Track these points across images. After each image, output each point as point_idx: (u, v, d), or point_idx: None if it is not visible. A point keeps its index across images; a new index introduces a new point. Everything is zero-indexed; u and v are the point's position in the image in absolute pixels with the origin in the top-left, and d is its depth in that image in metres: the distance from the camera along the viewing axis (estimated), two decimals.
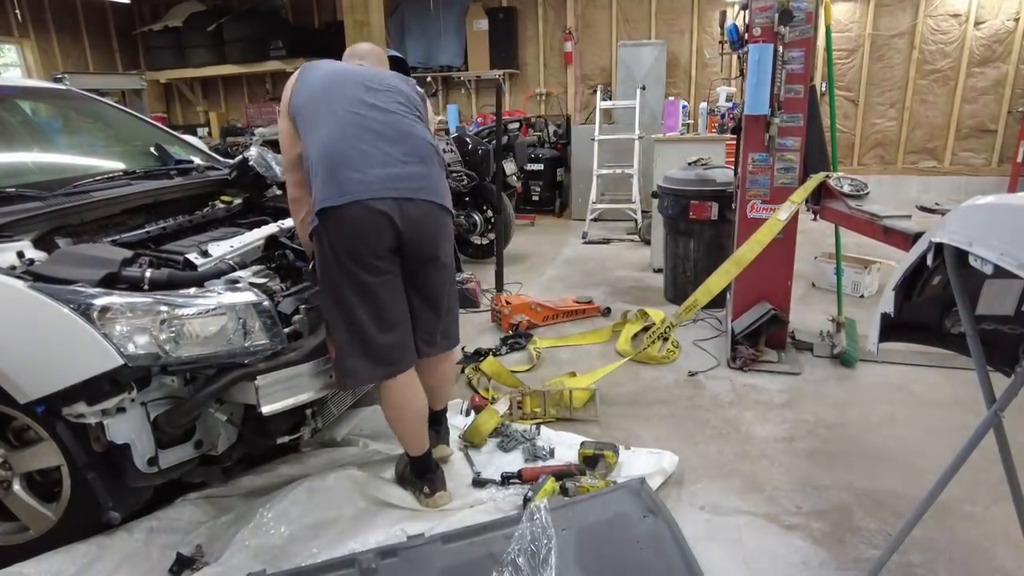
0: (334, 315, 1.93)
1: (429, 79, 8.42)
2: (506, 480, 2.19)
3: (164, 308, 1.73)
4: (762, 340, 3.21)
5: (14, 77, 7.70)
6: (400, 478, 2.23)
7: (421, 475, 2.15)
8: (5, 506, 1.89)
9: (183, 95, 9.87)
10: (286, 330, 1.98)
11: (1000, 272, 1.19)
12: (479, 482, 2.22)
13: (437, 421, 2.38)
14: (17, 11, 8.02)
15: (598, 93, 7.21)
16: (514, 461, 2.36)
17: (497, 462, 2.35)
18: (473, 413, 2.68)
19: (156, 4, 9.47)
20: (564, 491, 2.07)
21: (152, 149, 2.95)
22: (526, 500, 2.04)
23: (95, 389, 1.65)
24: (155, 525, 1.99)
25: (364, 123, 1.93)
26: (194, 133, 7.26)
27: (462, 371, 3.12)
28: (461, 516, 2.03)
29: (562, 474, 2.15)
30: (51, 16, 8.52)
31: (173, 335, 1.73)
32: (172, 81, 9.51)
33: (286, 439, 2.07)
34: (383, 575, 1.68)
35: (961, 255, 1.32)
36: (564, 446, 2.42)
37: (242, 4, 8.92)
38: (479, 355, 3.34)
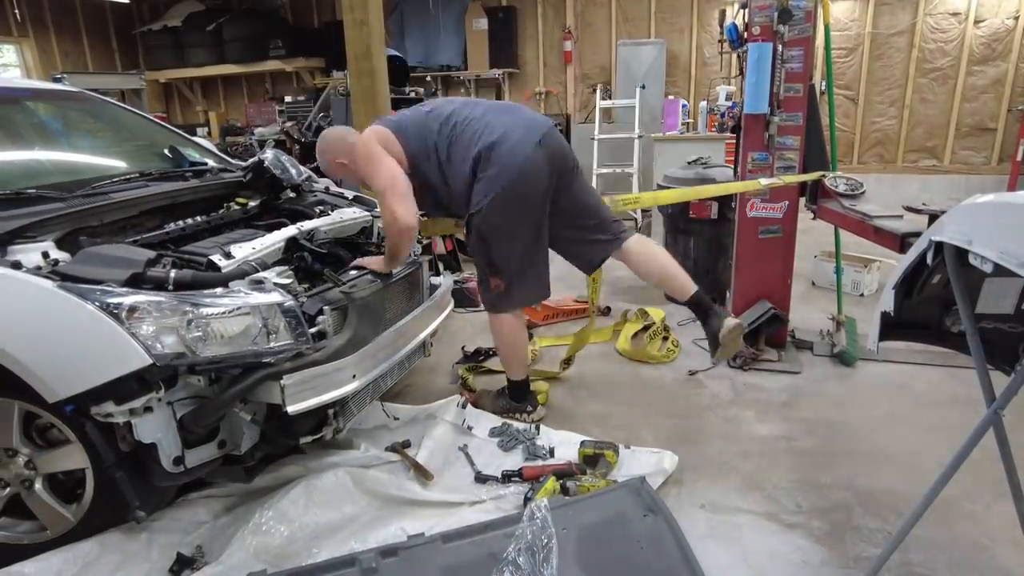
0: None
1: (429, 79, 8.41)
2: (507, 478, 2.20)
3: (190, 308, 1.73)
4: (762, 339, 3.21)
5: (18, 78, 7.70)
6: (501, 410, 2.69)
7: (522, 398, 2.67)
8: (25, 505, 1.88)
9: (182, 95, 9.87)
10: (311, 330, 1.98)
11: (1000, 271, 1.19)
12: (480, 479, 2.23)
13: (703, 310, 2.55)
14: (16, 11, 8.02)
15: (598, 92, 7.20)
16: (514, 460, 2.36)
17: (497, 461, 2.35)
18: (470, 407, 2.69)
19: (155, 4, 9.47)
20: (565, 490, 2.07)
21: (166, 151, 2.95)
22: (526, 499, 2.05)
23: (124, 388, 1.65)
24: (155, 525, 1.99)
25: None
26: (194, 133, 7.24)
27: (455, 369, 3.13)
28: (461, 515, 2.03)
29: (563, 473, 2.15)
30: (50, 16, 8.52)
31: (200, 335, 1.73)
32: (171, 81, 9.51)
33: (309, 439, 2.08)
34: (383, 575, 1.68)
35: (961, 254, 1.32)
36: (564, 445, 2.42)
37: (241, 4, 8.92)
38: (479, 355, 3.34)
